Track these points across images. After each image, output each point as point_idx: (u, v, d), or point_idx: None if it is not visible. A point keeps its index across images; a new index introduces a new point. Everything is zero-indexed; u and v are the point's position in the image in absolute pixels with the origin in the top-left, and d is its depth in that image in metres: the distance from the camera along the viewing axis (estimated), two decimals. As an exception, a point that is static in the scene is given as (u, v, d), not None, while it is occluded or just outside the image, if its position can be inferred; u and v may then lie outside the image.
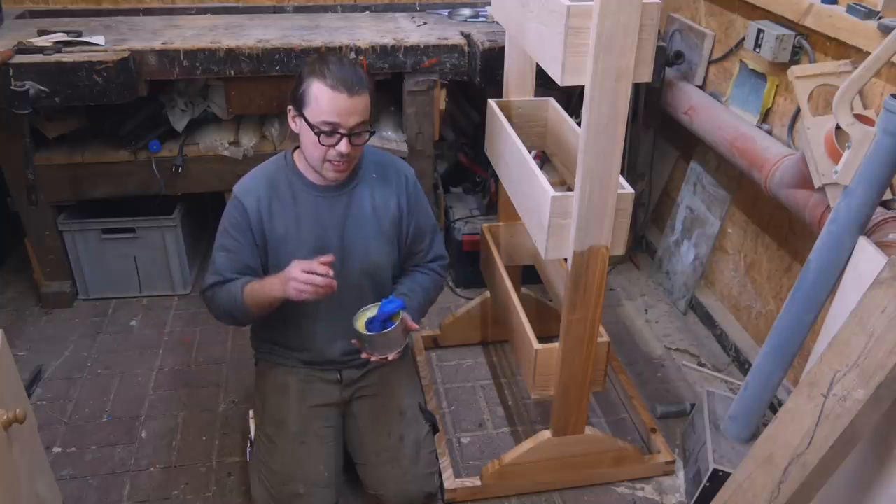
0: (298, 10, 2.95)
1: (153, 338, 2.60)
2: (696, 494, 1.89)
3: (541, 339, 1.85)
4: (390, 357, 1.62)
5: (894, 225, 1.55)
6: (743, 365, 2.45)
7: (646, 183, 3.02)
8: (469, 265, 2.77)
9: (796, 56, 2.08)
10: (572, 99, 2.75)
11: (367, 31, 2.59)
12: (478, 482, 1.97)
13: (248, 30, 2.56)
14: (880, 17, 1.74)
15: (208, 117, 2.66)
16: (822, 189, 1.74)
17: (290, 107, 1.64)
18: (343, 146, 1.57)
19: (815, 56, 2.02)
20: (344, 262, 1.73)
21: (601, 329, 1.79)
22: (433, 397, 2.30)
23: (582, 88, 1.46)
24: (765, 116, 2.28)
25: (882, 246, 1.48)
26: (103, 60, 2.22)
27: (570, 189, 1.69)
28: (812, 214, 1.85)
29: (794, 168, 1.90)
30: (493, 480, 1.96)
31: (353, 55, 2.42)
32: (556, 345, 1.81)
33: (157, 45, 2.34)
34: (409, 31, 2.64)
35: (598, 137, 1.48)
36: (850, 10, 1.82)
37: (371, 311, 1.62)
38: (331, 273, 1.53)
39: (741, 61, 2.38)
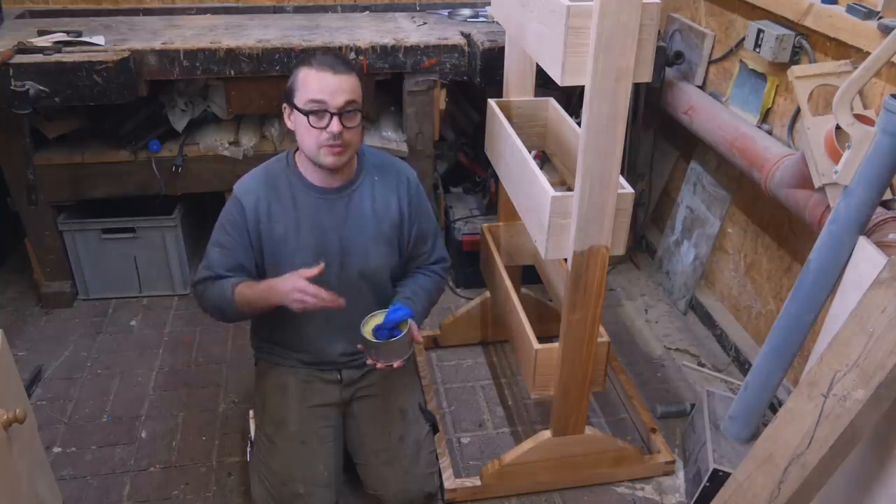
0: (298, 10, 2.95)
1: (153, 338, 2.60)
2: (696, 494, 1.89)
3: (541, 339, 1.85)
4: (395, 365, 1.62)
5: (894, 225, 1.55)
6: (743, 365, 2.45)
7: (646, 183, 3.02)
8: (469, 265, 2.77)
9: (796, 56, 2.08)
10: (572, 99, 2.75)
11: (367, 31, 2.60)
12: (478, 482, 1.97)
13: (248, 30, 2.56)
14: (880, 17, 1.74)
15: (208, 117, 2.66)
16: (822, 189, 1.74)
17: (284, 105, 1.65)
18: (334, 125, 1.56)
19: (815, 56, 2.02)
20: (343, 264, 1.73)
21: (601, 329, 1.79)
22: (433, 397, 2.30)
23: (582, 88, 1.46)
24: (765, 116, 2.28)
25: (882, 246, 1.48)
26: (103, 60, 2.22)
27: (570, 189, 1.69)
28: (812, 214, 1.85)
29: (794, 168, 1.90)
30: (493, 480, 1.96)
31: (353, 55, 2.42)
32: (556, 345, 1.81)
33: (157, 45, 2.34)
34: (409, 31, 2.64)
35: (598, 137, 1.48)
36: (850, 10, 1.82)
37: (378, 318, 1.62)
38: (333, 298, 1.55)
39: (741, 61, 2.38)
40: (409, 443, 1.78)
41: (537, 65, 2.04)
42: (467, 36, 2.55)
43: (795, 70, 1.86)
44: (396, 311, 1.60)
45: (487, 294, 2.42)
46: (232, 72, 2.38)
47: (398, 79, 2.56)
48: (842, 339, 1.30)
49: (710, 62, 2.58)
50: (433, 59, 2.49)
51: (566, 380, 1.82)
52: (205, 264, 1.73)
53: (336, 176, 1.70)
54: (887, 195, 1.60)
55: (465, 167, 3.11)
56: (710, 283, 2.77)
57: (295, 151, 1.74)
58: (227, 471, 2.06)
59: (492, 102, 2.06)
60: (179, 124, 2.57)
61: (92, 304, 2.76)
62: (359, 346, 1.64)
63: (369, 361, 1.62)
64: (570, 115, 2.02)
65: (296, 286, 1.55)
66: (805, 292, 1.65)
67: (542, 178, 1.66)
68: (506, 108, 2.06)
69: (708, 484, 1.84)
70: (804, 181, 1.84)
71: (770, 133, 2.22)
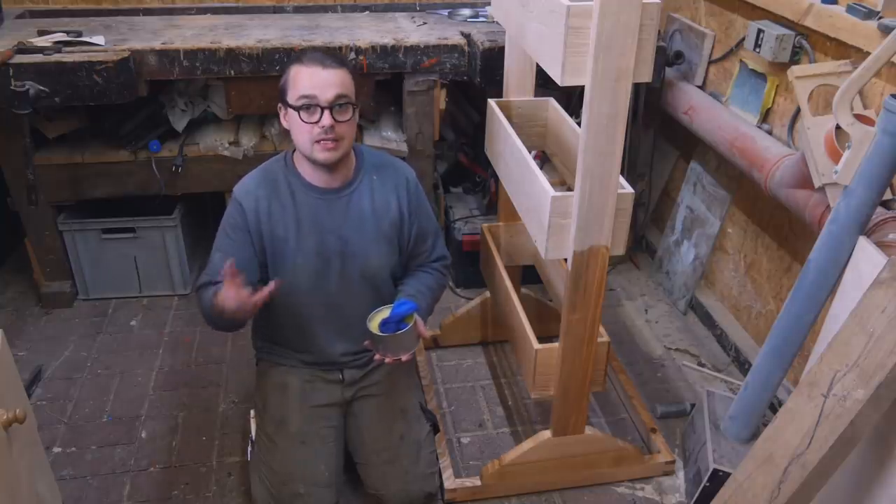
0: (298, 10, 2.95)
1: (153, 338, 2.60)
2: (696, 494, 1.89)
3: (541, 339, 1.85)
4: (404, 358, 1.62)
5: (894, 225, 1.55)
6: (743, 365, 2.45)
7: (646, 183, 3.02)
8: (469, 265, 2.77)
9: (796, 56, 2.08)
10: (572, 99, 2.75)
11: (367, 31, 2.60)
12: (478, 482, 1.97)
13: (248, 30, 2.56)
14: (880, 17, 1.74)
15: (208, 117, 2.66)
16: (822, 189, 1.74)
17: (279, 105, 1.65)
18: (325, 119, 1.56)
19: (815, 56, 2.02)
20: (344, 264, 1.73)
21: (601, 329, 1.79)
22: (433, 397, 2.30)
23: (582, 88, 1.46)
24: (765, 116, 2.28)
25: (882, 246, 1.48)
26: (103, 60, 2.22)
27: (570, 189, 1.69)
28: (812, 214, 1.85)
29: (794, 168, 1.90)
30: (493, 480, 1.96)
31: (353, 55, 2.42)
32: (556, 345, 1.81)
33: (157, 45, 2.34)
34: (409, 31, 2.64)
35: (598, 137, 1.48)
36: (850, 10, 1.82)
37: (384, 313, 1.62)
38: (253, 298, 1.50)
39: (741, 61, 2.38)
40: (409, 442, 1.78)
41: (537, 65, 2.04)
42: (467, 36, 2.55)
43: (795, 70, 1.86)
44: (402, 304, 1.60)
45: (487, 294, 2.42)
46: (232, 72, 2.38)
47: (398, 79, 2.56)
48: (842, 339, 1.30)
49: (710, 62, 2.58)
50: (433, 59, 2.49)
51: (566, 380, 1.82)
52: (205, 270, 1.72)
53: (335, 176, 1.70)
54: (887, 195, 1.60)
55: (465, 167, 3.11)
56: (710, 283, 2.77)
57: (293, 152, 1.74)
58: (227, 471, 2.06)
59: (492, 102, 2.06)
60: (179, 124, 2.57)
61: (92, 304, 2.77)
62: (365, 342, 1.63)
63: (377, 356, 1.62)
64: (570, 115, 2.02)
65: (224, 297, 1.49)
66: (805, 292, 1.65)
67: (542, 178, 1.66)
68: (506, 108, 2.06)
69: (708, 484, 1.84)
70: (804, 181, 1.84)
71: (770, 133, 2.22)
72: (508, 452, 1.97)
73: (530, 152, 1.79)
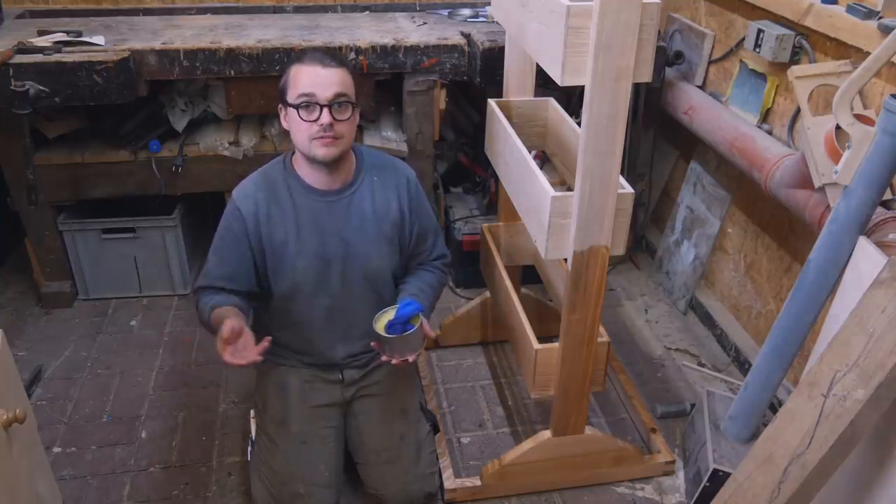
0: (298, 10, 2.95)
1: (153, 338, 2.60)
2: (696, 494, 1.89)
3: (541, 339, 1.85)
4: (410, 359, 1.62)
5: (894, 225, 1.55)
6: (743, 365, 2.45)
7: (646, 183, 3.02)
8: (469, 265, 2.77)
9: (796, 56, 2.08)
10: (572, 99, 2.75)
11: (367, 31, 2.60)
12: (478, 482, 1.97)
13: (248, 30, 2.56)
14: (880, 17, 1.74)
15: (208, 117, 2.66)
16: (822, 189, 1.74)
17: (279, 106, 1.65)
18: (324, 117, 1.56)
19: (815, 56, 2.02)
20: (345, 266, 1.73)
21: (601, 329, 1.79)
22: (433, 397, 2.30)
23: (582, 88, 1.46)
24: (765, 116, 2.28)
25: (882, 246, 1.48)
26: (103, 60, 2.22)
27: (570, 189, 1.69)
28: (812, 214, 1.85)
29: (794, 168, 1.90)
30: (493, 480, 1.96)
31: (353, 55, 2.42)
32: (556, 345, 1.81)
33: (157, 45, 2.34)
34: (409, 31, 2.64)
35: (598, 137, 1.48)
36: (850, 10, 1.82)
37: (389, 314, 1.62)
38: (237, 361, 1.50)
39: (741, 61, 2.38)
40: (409, 442, 1.78)
41: (537, 65, 2.04)
42: (467, 36, 2.55)
43: (795, 70, 1.86)
44: (407, 305, 1.60)
45: (487, 294, 2.42)
46: (232, 72, 2.38)
47: (398, 79, 2.56)
48: (842, 339, 1.30)
49: (710, 62, 2.58)
50: (433, 59, 2.49)
51: (566, 380, 1.82)
52: (202, 272, 1.73)
53: (334, 177, 1.69)
54: (887, 195, 1.60)
55: (465, 167, 3.11)
56: (710, 283, 2.77)
57: (291, 155, 1.73)
58: (227, 471, 2.06)
59: (492, 102, 2.06)
60: (179, 124, 2.57)
61: (92, 304, 2.77)
62: (372, 343, 1.63)
63: (384, 357, 1.62)
64: (570, 115, 2.02)
65: (218, 349, 1.50)
66: (805, 292, 1.65)
67: (542, 178, 1.66)
68: (506, 108, 2.06)
69: (708, 484, 1.84)
70: (804, 181, 1.84)
71: (770, 133, 2.22)
72: (508, 452, 1.97)
73: (530, 152, 1.79)
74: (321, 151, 1.60)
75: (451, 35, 2.57)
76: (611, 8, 1.34)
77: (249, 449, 1.90)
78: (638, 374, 2.47)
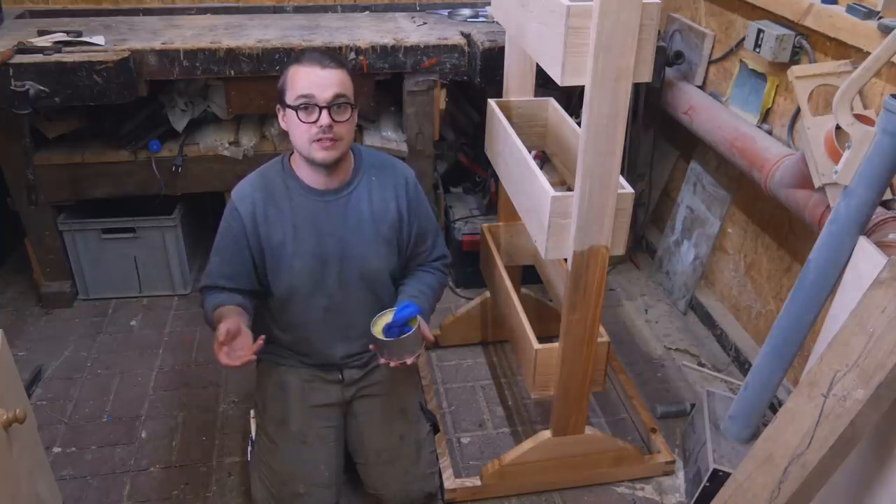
0: (298, 10, 2.95)
1: (153, 338, 2.60)
2: (696, 494, 1.89)
3: (541, 339, 1.85)
4: (409, 362, 1.61)
5: (894, 225, 1.55)
6: (743, 365, 2.45)
7: (646, 183, 3.02)
8: (469, 265, 2.77)
9: (796, 56, 2.08)
10: (572, 99, 2.75)
11: (367, 31, 2.59)
12: (478, 482, 1.97)
13: (248, 30, 2.56)
14: (880, 17, 1.74)
15: (208, 117, 2.66)
16: (822, 189, 1.74)
17: (277, 107, 1.65)
18: (323, 119, 1.56)
19: (815, 56, 2.02)
20: (343, 266, 1.72)
21: (601, 329, 1.79)
22: (433, 397, 2.30)
23: (582, 88, 1.46)
24: (765, 116, 2.28)
25: (882, 246, 1.48)
26: (103, 60, 2.22)
27: (570, 189, 1.69)
28: (812, 214, 1.85)
29: (794, 168, 1.90)
30: (493, 480, 1.96)
31: (353, 55, 2.42)
32: (556, 345, 1.81)
33: (157, 45, 2.34)
34: (409, 31, 2.64)
35: (598, 137, 1.48)
36: (850, 10, 1.82)
37: (387, 317, 1.62)
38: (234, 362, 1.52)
39: (741, 61, 2.38)
40: (409, 442, 1.78)
41: (537, 65, 2.04)
42: (467, 36, 2.55)
43: (795, 70, 1.86)
44: (405, 308, 1.60)
45: (487, 294, 2.42)
46: (232, 72, 2.38)
47: (398, 79, 2.56)
48: (842, 339, 1.30)
49: (710, 62, 2.58)
50: (433, 59, 2.49)
51: (566, 380, 1.82)
52: (205, 272, 1.75)
53: (332, 177, 1.69)
54: (887, 195, 1.60)
55: (465, 167, 3.11)
56: (710, 283, 2.77)
57: (290, 155, 1.73)
58: (227, 471, 2.06)
59: (492, 102, 2.06)
60: (179, 124, 2.57)
61: (92, 304, 2.77)
62: (370, 346, 1.63)
63: (382, 360, 1.61)
64: (570, 115, 2.02)
65: (215, 352, 1.51)
66: (805, 292, 1.65)
67: (542, 178, 1.66)
68: (506, 108, 2.06)
69: (708, 484, 1.84)
70: (804, 181, 1.84)
71: (770, 133, 2.22)
72: (508, 452, 1.97)
73: (530, 152, 1.79)
74: (321, 154, 1.60)
75: (451, 35, 2.57)
76: (611, 8, 1.34)
77: (249, 449, 1.90)
78: (638, 374, 2.47)
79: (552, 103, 2.11)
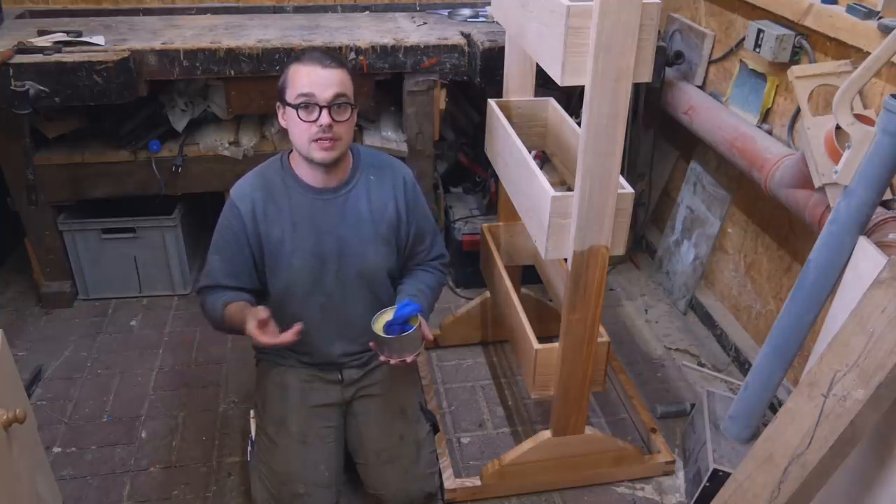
0: (298, 10, 2.95)
1: (153, 338, 2.60)
2: (696, 494, 1.89)
3: (541, 339, 1.85)
4: (409, 360, 1.61)
5: (894, 225, 1.55)
6: (743, 365, 2.45)
7: (646, 183, 3.02)
8: (469, 265, 2.77)
9: (796, 56, 2.08)
10: (572, 99, 2.75)
11: (367, 31, 2.59)
12: (478, 482, 1.97)
13: (248, 30, 2.56)
14: (880, 17, 1.74)
15: (208, 117, 2.66)
16: (822, 189, 1.74)
17: (277, 105, 1.65)
18: (324, 118, 1.56)
19: (815, 56, 2.02)
20: (341, 264, 1.73)
21: (601, 329, 1.79)
22: (433, 397, 2.30)
23: (582, 88, 1.46)
24: (765, 116, 2.28)
25: (882, 246, 1.48)
26: (103, 60, 2.22)
27: (570, 189, 1.69)
28: (812, 214, 1.85)
29: (794, 168, 1.90)
30: (493, 480, 1.96)
31: (353, 55, 2.42)
32: (556, 345, 1.81)
33: (157, 45, 2.34)
34: (409, 31, 2.64)
35: (598, 137, 1.48)
36: (850, 10, 1.82)
37: (387, 315, 1.62)
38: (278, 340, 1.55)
39: (741, 61, 2.38)
40: (409, 442, 1.78)
41: (537, 65, 2.04)
42: (467, 36, 2.55)
43: (795, 70, 1.86)
44: (405, 306, 1.60)
45: (487, 294, 2.42)
46: (232, 72, 2.38)
47: (398, 79, 2.56)
48: (842, 339, 1.30)
49: (710, 62, 2.58)
50: (433, 59, 2.49)
51: (566, 380, 1.82)
52: (205, 272, 1.74)
53: (331, 175, 1.70)
54: (887, 195, 1.61)
55: (465, 167, 3.11)
56: (710, 283, 2.77)
57: (289, 153, 1.74)
58: (227, 471, 2.06)
59: (492, 102, 2.06)
60: (179, 124, 2.57)
61: (92, 304, 2.77)
62: (371, 343, 1.63)
63: (382, 358, 1.62)
64: (570, 115, 2.02)
65: (252, 334, 1.55)
66: (805, 292, 1.65)
67: (542, 178, 1.66)
68: (506, 108, 2.06)
69: (708, 484, 1.84)
70: (804, 181, 1.84)
71: (770, 133, 2.22)
72: (508, 452, 1.97)
73: (530, 152, 1.79)
74: (320, 154, 1.61)
75: (451, 35, 2.57)
76: (611, 8, 1.34)
77: (249, 449, 1.90)
78: (638, 374, 2.47)
79: (552, 103, 2.11)
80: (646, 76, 1.45)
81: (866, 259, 1.48)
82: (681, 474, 2.07)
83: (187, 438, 2.16)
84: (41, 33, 2.41)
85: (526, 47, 1.78)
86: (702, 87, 2.62)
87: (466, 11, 2.86)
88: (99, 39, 2.37)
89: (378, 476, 1.75)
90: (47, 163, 2.49)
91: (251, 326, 1.54)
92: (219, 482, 2.02)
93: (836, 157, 1.68)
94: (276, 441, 1.73)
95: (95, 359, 2.48)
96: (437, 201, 2.87)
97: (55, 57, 2.21)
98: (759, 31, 2.12)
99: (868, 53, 1.62)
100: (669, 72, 2.69)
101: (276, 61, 2.38)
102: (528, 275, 2.42)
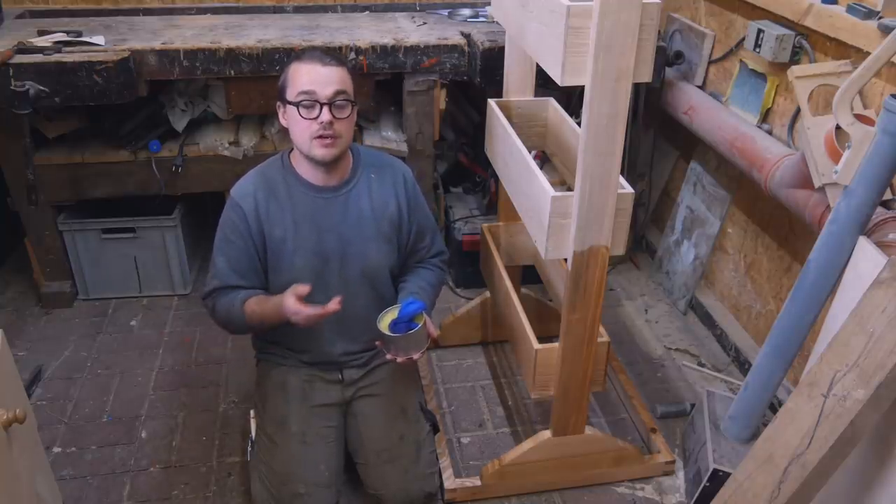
0: (298, 10, 2.95)
1: (153, 338, 2.60)
2: (696, 494, 1.89)
3: (541, 339, 1.85)
4: (415, 357, 1.63)
5: (894, 225, 1.55)
6: (743, 365, 2.45)
7: (646, 183, 3.02)
8: (469, 265, 2.77)
9: (796, 56, 2.08)
10: (572, 99, 2.75)
11: (367, 31, 2.60)
12: (478, 482, 1.97)
13: (248, 30, 2.56)
14: (880, 17, 1.74)
15: (208, 117, 2.66)
16: (822, 189, 1.74)
17: (277, 104, 1.66)
18: (324, 115, 1.57)
19: (815, 56, 2.02)
20: (343, 263, 1.73)
21: (601, 329, 1.79)
22: (433, 397, 2.30)
23: (582, 88, 1.46)
24: (765, 116, 2.28)
25: (882, 246, 1.48)
26: (103, 60, 2.22)
27: (570, 189, 1.69)
28: (812, 214, 1.85)
29: (794, 168, 1.90)
30: (493, 480, 1.96)
31: (353, 55, 2.42)
32: (556, 345, 1.81)
33: (157, 45, 2.34)
34: (409, 31, 2.64)
35: (598, 137, 1.48)
36: (850, 10, 1.82)
37: (392, 313, 1.63)
38: (324, 311, 1.55)
39: (741, 61, 2.38)
40: (409, 442, 1.78)
41: (537, 65, 2.04)
42: (467, 36, 2.55)
43: (795, 70, 1.86)
44: (410, 304, 1.61)
45: (487, 294, 2.42)
46: (232, 72, 2.38)
47: (398, 79, 2.56)
48: (842, 339, 1.30)
49: (710, 62, 2.58)
50: (433, 59, 2.49)
51: (566, 380, 1.82)
52: (212, 274, 1.72)
53: (332, 174, 1.70)
54: (887, 195, 1.60)
55: (465, 167, 3.11)
56: (710, 283, 2.77)
57: (290, 152, 1.74)
58: (227, 471, 2.06)
59: (492, 102, 2.06)
60: (179, 124, 2.57)
61: (92, 304, 2.77)
62: (376, 342, 1.64)
63: (389, 356, 1.63)
64: (570, 115, 2.02)
65: (290, 310, 1.55)
66: (805, 292, 1.65)
67: (542, 178, 1.66)
68: (506, 108, 2.06)
69: (708, 484, 1.84)
70: (804, 181, 1.84)
71: (770, 133, 2.22)
72: (508, 452, 1.97)
73: (530, 152, 1.79)
74: (321, 152, 1.61)
75: (451, 35, 2.58)
76: (611, 8, 1.35)
77: (249, 449, 1.90)
78: (638, 374, 2.47)
79: (552, 103, 2.11)
80: (646, 76, 1.45)
81: (866, 259, 1.48)
82: (681, 474, 2.07)
83: (187, 438, 2.16)
84: (41, 33, 2.41)
85: (526, 47, 1.78)
86: (702, 87, 2.62)
87: (466, 11, 2.86)
88: (99, 39, 2.37)
89: (378, 476, 1.75)
90: (47, 163, 2.49)
91: (291, 302, 1.53)
92: (219, 482, 2.02)
93: (836, 157, 1.68)
94: (277, 441, 1.73)
95: (95, 359, 2.48)
96: (437, 201, 2.87)
97: (55, 57, 2.21)
98: (759, 31, 2.12)
99: (868, 53, 1.62)
100: (669, 72, 2.69)
101: (276, 61, 2.38)
102: (528, 275, 2.42)
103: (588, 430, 1.95)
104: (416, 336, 1.60)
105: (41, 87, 2.18)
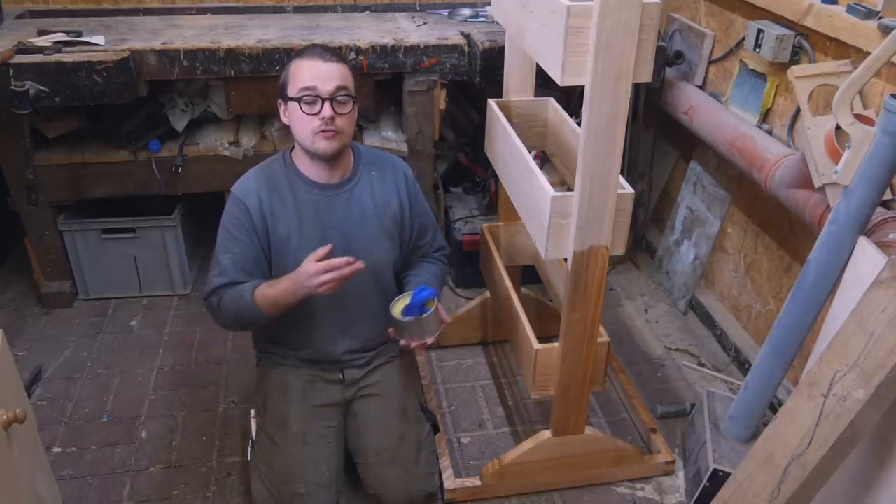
0: (298, 10, 2.95)
1: (153, 338, 2.60)
2: (696, 494, 1.89)
3: (541, 339, 1.85)
4: (429, 342, 1.67)
5: (894, 225, 1.55)
6: (743, 365, 2.45)
7: (646, 183, 3.02)
8: (469, 265, 2.77)
9: (796, 56, 2.08)
10: (572, 99, 2.75)
11: (367, 31, 2.60)
12: (478, 482, 1.97)
13: (248, 30, 2.56)
14: (880, 17, 1.74)
15: (208, 117, 2.66)
16: (822, 189, 1.74)
17: (279, 101, 1.66)
18: (326, 110, 1.58)
19: (815, 56, 2.02)
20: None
21: (601, 329, 1.79)
22: (433, 397, 2.30)
23: (582, 88, 1.46)
24: (765, 116, 2.28)
25: (882, 246, 1.48)
26: (103, 60, 2.22)
27: (570, 189, 1.69)
28: (812, 214, 1.85)
29: (794, 168, 1.90)
30: (493, 480, 1.96)
31: (353, 55, 2.42)
32: (556, 345, 1.81)
33: (157, 45, 2.34)
34: (409, 31, 2.64)
35: (598, 137, 1.48)
36: (850, 10, 1.82)
37: (404, 300, 1.67)
38: (348, 262, 1.54)
39: (741, 61, 2.38)
40: (409, 442, 1.78)
41: (537, 65, 2.04)
42: (467, 36, 2.55)
43: (795, 70, 1.86)
44: (422, 290, 1.64)
45: (487, 294, 2.42)
46: (232, 72, 2.38)
47: (398, 79, 2.56)
48: (842, 339, 1.30)
49: (710, 62, 2.58)
50: (433, 59, 2.49)
51: (566, 380, 1.82)
52: (216, 272, 1.69)
53: (334, 171, 1.71)
54: (887, 195, 1.61)
55: (465, 167, 3.11)
56: (710, 283, 2.77)
57: (291, 150, 1.74)
58: (227, 471, 2.06)
59: (492, 102, 2.06)
60: (179, 124, 2.57)
61: (92, 304, 2.76)
62: (389, 329, 1.67)
63: (403, 342, 1.66)
64: (570, 115, 2.02)
65: (310, 272, 1.53)
66: (805, 292, 1.65)
67: (542, 178, 1.66)
68: (506, 108, 2.06)
69: (708, 484, 1.84)
70: (804, 181, 1.84)
71: (770, 133, 2.22)
72: (508, 452, 1.97)
73: (530, 152, 1.79)
74: (323, 145, 1.62)
75: (451, 35, 2.57)
76: (611, 8, 1.35)
77: (249, 449, 1.90)
78: (638, 374, 2.47)
79: (552, 103, 2.11)
80: (646, 76, 1.45)
81: (866, 259, 1.48)
82: (681, 474, 2.07)
83: (187, 438, 2.16)
84: (41, 33, 2.41)
85: (526, 47, 1.78)
86: (702, 87, 2.62)
87: (466, 11, 2.86)
88: (99, 39, 2.37)
89: (378, 476, 1.75)
90: (47, 163, 2.49)
91: (311, 265, 1.52)
92: (219, 482, 2.02)
93: (836, 157, 1.68)
94: (277, 441, 1.74)
95: (95, 359, 2.48)
96: (437, 201, 2.87)
97: (55, 57, 2.21)
98: (759, 31, 2.12)
99: (868, 53, 1.62)
100: (669, 72, 2.69)
101: (276, 61, 2.38)
102: (528, 275, 2.42)
103: (588, 430, 1.95)
104: (428, 320, 1.64)
105: (41, 87, 2.18)
